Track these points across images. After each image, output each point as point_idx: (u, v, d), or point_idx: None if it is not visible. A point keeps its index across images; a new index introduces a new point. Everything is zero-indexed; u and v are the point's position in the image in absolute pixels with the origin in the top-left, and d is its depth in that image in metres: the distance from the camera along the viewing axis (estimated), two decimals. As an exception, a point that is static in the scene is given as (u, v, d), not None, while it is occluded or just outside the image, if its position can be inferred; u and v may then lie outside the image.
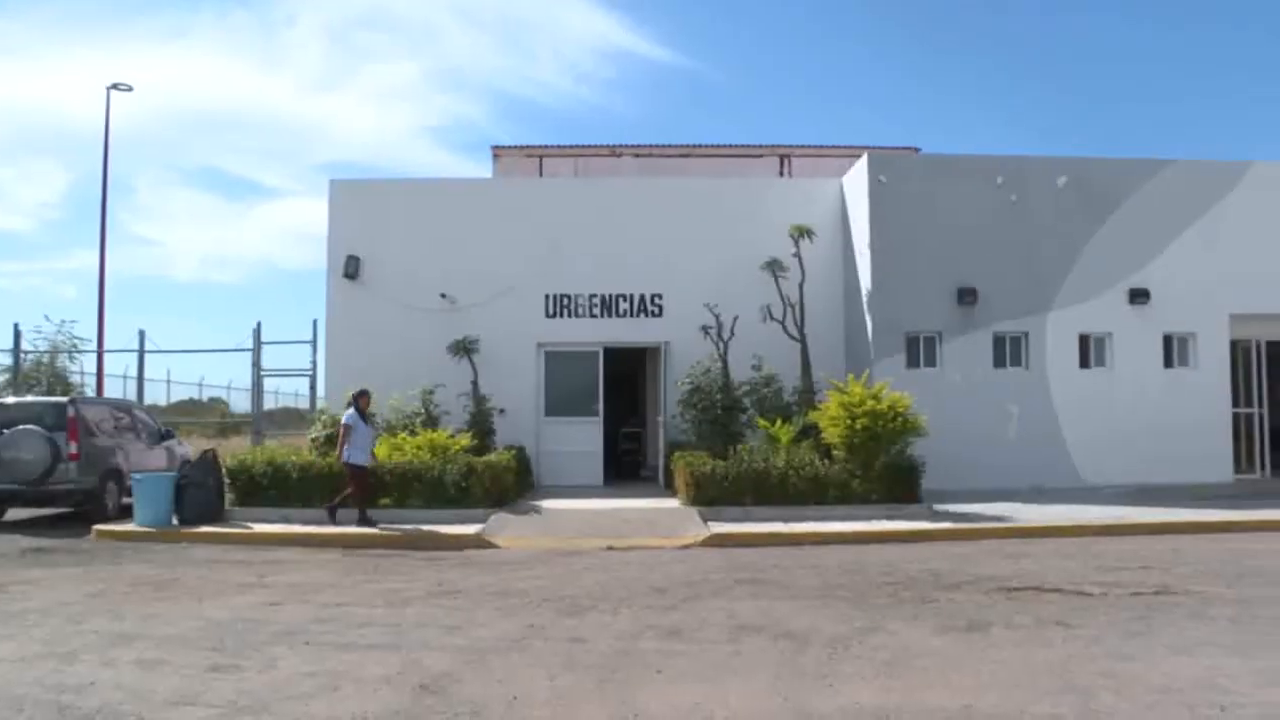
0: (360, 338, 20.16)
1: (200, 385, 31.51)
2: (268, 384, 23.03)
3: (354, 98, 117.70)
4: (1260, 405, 20.90)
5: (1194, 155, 27.41)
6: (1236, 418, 20.37)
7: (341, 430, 15.03)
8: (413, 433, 17.15)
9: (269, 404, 25.21)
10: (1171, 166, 20.11)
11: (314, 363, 21.50)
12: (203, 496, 15.05)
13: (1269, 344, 20.98)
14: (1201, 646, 7.54)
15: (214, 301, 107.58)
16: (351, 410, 15.17)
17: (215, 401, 33.80)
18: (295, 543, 13.70)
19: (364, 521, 14.77)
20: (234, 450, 18.90)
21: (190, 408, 31.41)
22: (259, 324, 21.87)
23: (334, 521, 14.73)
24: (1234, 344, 20.31)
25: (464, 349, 19.38)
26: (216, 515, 15.13)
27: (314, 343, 21.28)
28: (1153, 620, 8.45)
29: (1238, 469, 20.19)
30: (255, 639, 7.89)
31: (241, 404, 29.05)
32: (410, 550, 13.24)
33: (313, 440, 18.29)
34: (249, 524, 14.80)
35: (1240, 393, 20.58)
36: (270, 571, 11.29)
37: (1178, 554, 12.31)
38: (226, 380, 34.45)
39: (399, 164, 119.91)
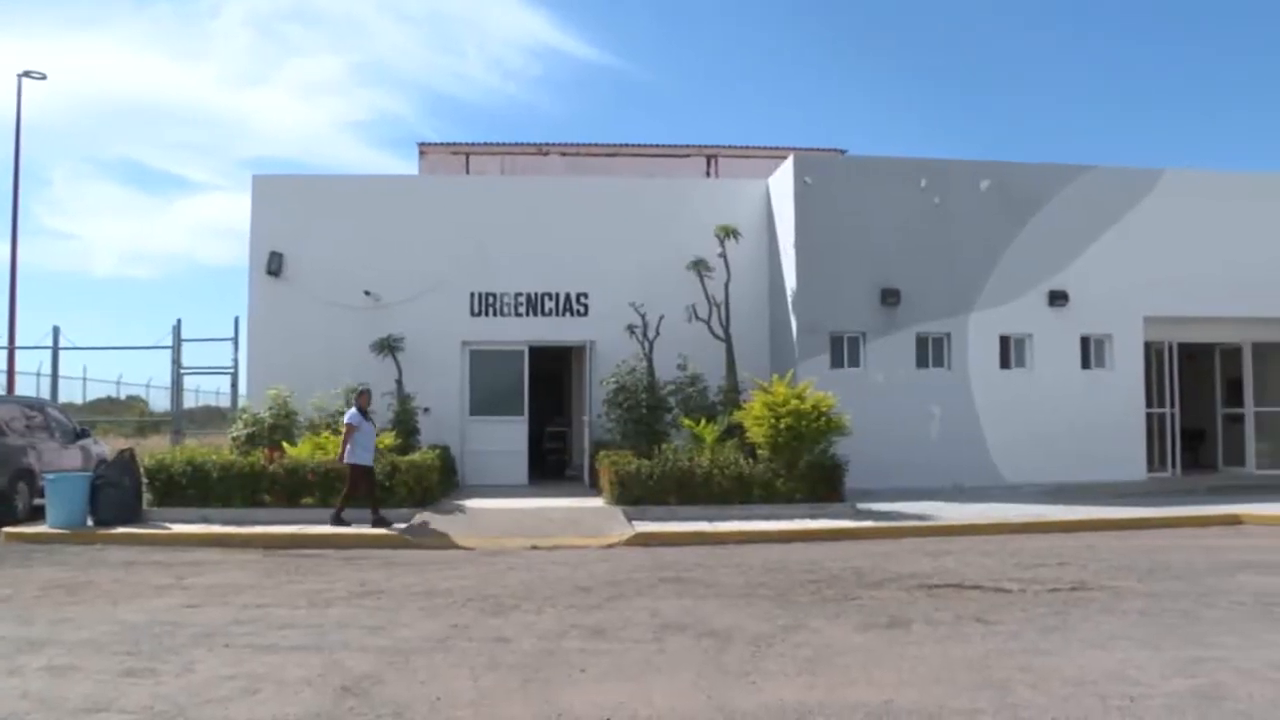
0: (283, 335, 19.90)
1: (118, 383, 30.99)
2: (188, 382, 22.71)
3: (279, 91, 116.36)
4: (1172, 405, 21.41)
5: (1111, 161, 28.05)
6: (1150, 418, 20.83)
7: (345, 430, 14.80)
8: (336, 432, 16.93)
9: (189, 402, 24.85)
10: (1089, 172, 20.52)
11: (235, 360, 21.17)
12: (119, 497, 14.73)
13: (1181, 346, 21.56)
14: (1114, 640, 7.71)
15: (133, 298, 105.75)
16: (353, 410, 15.03)
17: (134, 400, 33.26)
18: (215, 543, 13.48)
19: (379, 523, 14.46)
20: (153, 449, 18.59)
21: (107, 406, 30.85)
22: (179, 321, 21.51)
23: (342, 524, 14.34)
24: (1148, 346, 20.78)
25: (388, 347, 19.23)
26: (133, 516, 14.83)
27: (235, 340, 20.95)
28: (1069, 615, 8.61)
29: (1151, 468, 20.65)
30: (172, 642, 7.75)
31: (161, 402, 28.62)
32: (333, 550, 13.09)
33: (234, 439, 18.01)
34: (167, 524, 14.53)
35: (1154, 393, 21.05)
36: (189, 573, 11.11)
37: (1093, 551, 12.56)
38: (145, 378, 33.96)
39: (324, 159, 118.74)
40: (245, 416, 18.32)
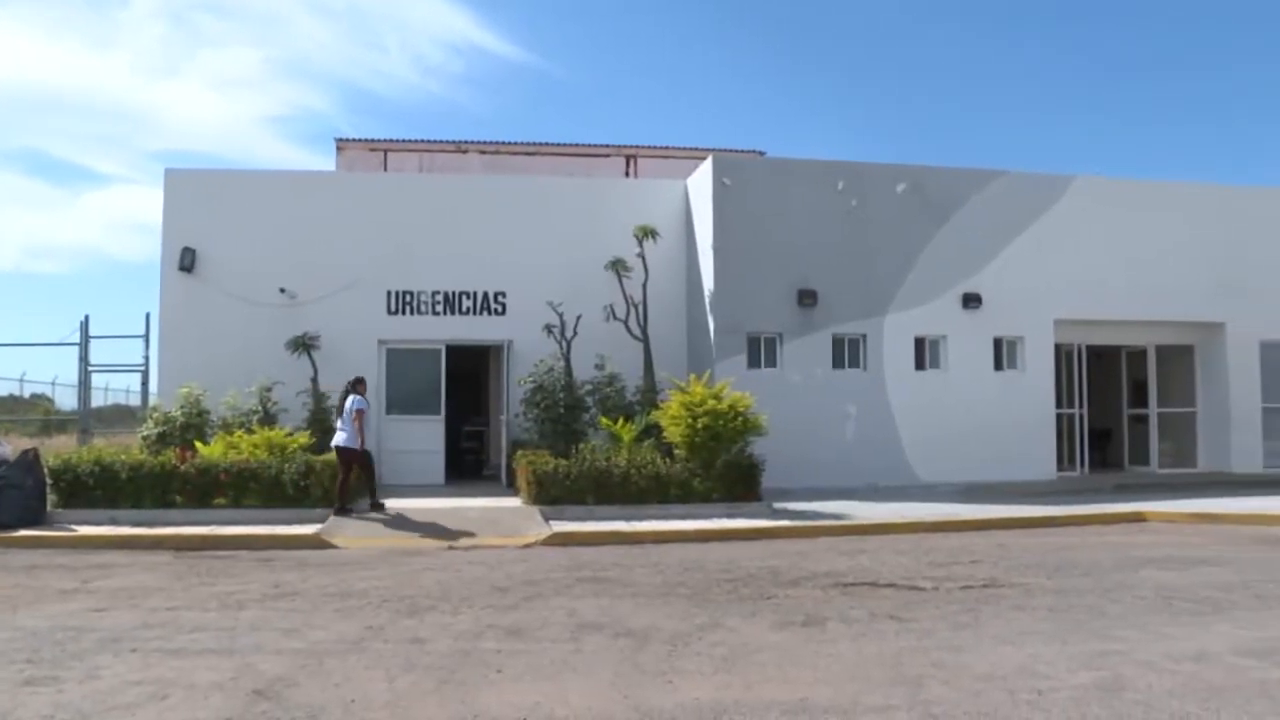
0: (196, 332, 19.54)
1: (21, 381, 30.10)
2: (97, 380, 22.12)
3: (193, 84, 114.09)
4: (1081, 406, 21.90)
5: (1024, 167, 28.61)
6: (1060, 418, 21.26)
7: (357, 418, 15.48)
8: (249, 431, 16.73)
9: (98, 401, 24.18)
10: (1003, 177, 20.88)
11: (146, 358, 20.75)
12: (21, 498, 14.32)
13: (1089, 348, 22.10)
14: (1024, 636, 7.85)
15: (38, 293, 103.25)
16: (359, 397, 15.75)
17: (38, 399, 32.37)
18: (123, 545, 13.18)
19: (377, 508, 15.56)
20: (59, 449, 18.13)
21: (10, 405, 30.00)
22: (86, 317, 21.02)
23: (347, 513, 15.12)
24: (1058, 348, 21.23)
25: (304, 345, 19.00)
26: (37, 518, 14.45)
27: (146, 337, 20.54)
28: (980, 612, 8.75)
29: (1060, 467, 21.08)
30: (76, 648, 7.54)
31: (68, 401, 27.86)
32: (246, 552, 12.87)
33: (144, 439, 17.68)
34: (73, 526, 14.19)
35: (1063, 394, 21.50)
36: (96, 576, 10.86)
37: (1004, 549, 12.78)
38: (51, 376, 33.08)
39: (240, 154, 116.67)
40: (156, 415, 18.01)
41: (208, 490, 14.98)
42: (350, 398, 15.78)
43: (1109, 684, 6.53)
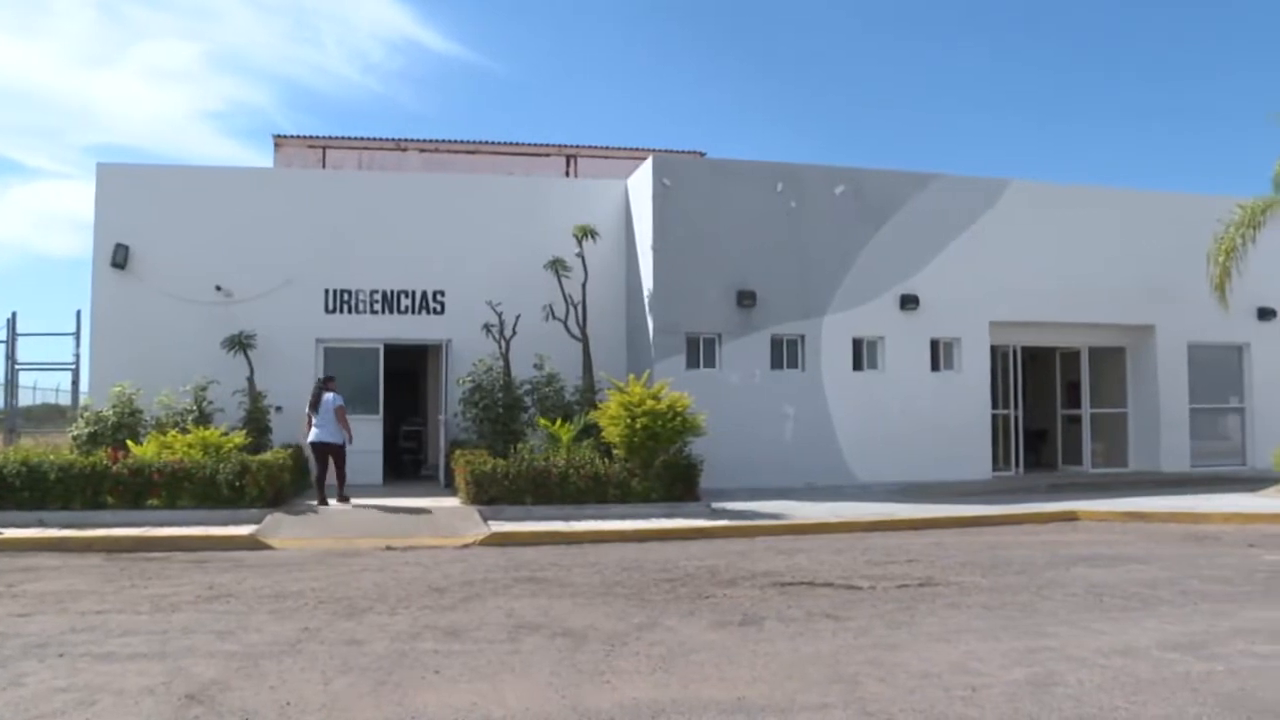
0: (129, 330, 19.20)
1: (-57, 380, 29.54)
2: (25, 378, 21.77)
3: (127, 76, 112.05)
4: (1016, 407, 22.19)
5: (962, 170, 29.02)
6: (995, 419, 21.52)
7: (339, 413, 16.49)
8: (184, 430, 16.48)
9: (26, 400, 23.77)
10: (940, 180, 21.10)
11: (77, 356, 20.45)
12: (-57, 501, 14.05)
13: (1024, 349, 22.41)
14: (959, 633, 7.94)
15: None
16: (336, 395, 16.67)
17: (-37, 398, 31.77)
18: (52, 548, 12.91)
19: (344, 500, 16.34)
20: (-16, 450, 17.79)
21: (-67, 404, 29.42)
22: (14, 314, 20.67)
23: (347, 503, 16.19)
24: (994, 349, 21.49)
25: (240, 344, 18.75)
26: (-39, 521, 14.18)
27: (77, 335, 20.24)
28: (916, 610, 8.83)
29: (995, 467, 21.35)
30: (0, 654, 7.40)
31: (-7, 400, 27.38)
32: (180, 553, 12.68)
33: (75, 438, 17.39)
34: None
35: (999, 395, 21.77)
36: (22, 579, 10.63)
37: (940, 547, 12.91)
38: (-25, 375, 32.40)
39: (175, 149, 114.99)
40: (87, 415, 17.73)
41: (141, 491, 14.76)
42: (328, 395, 16.57)
43: (1041, 680, 6.62)
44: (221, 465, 15.02)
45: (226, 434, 16.37)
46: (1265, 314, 22.08)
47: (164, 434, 16.41)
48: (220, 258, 19.71)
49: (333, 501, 16.20)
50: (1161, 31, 71.46)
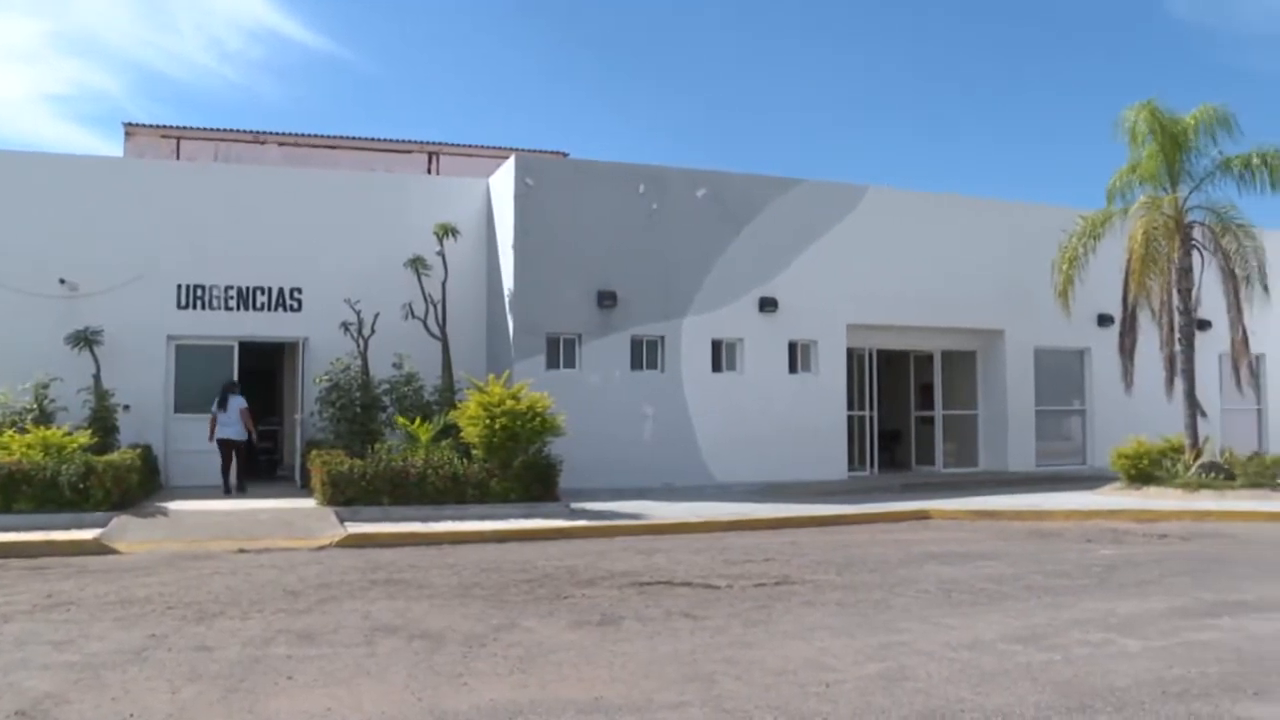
0: (-38, 325, 18.36)
1: None
2: None
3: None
4: (871, 409, 22.69)
5: (822, 175, 29.56)
6: (851, 420, 21.97)
7: (244, 413, 18.25)
8: (23, 430, 15.79)
9: None
10: (800, 185, 21.46)
11: (-94, 351, 19.46)
12: None
13: (879, 352, 22.93)
14: (814, 631, 8.05)
15: None
16: (240, 396, 18.36)
17: None
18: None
19: (240, 490, 18.17)
20: None
21: None
22: None
23: (244, 492, 18.03)
24: (850, 352, 21.94)
25: (85, 340, 18.06)
26: None
27: (-94, 330, 19.25)
28: (773, 609, 8.94)
29: (851, 467, 21.80)
30: None
31: None
32: (15, 560, 12.09)
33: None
34: None
35: (855, 397, 22.22)
36: None
37: (797, 546, 13.11)
38: None
39: (12, 132, 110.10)
40: (-83, 413, 16.88)
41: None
42: (235, 397, 18.24)
43: (893, 674, 6.77)
44: (64, 466, 14.40)
45: (70, 434, 15.72)
46: (1105, 320, 22.94)
47: (0, 435, 15.70)
48: (65, 250, 18.87)
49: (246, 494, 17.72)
50: (1013, 51, 73.73)
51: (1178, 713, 5.97)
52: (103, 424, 17.54)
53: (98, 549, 12.62)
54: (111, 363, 18.29)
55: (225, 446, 18.24)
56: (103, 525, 13.72)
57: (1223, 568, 11.53)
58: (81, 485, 14.29)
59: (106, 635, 7.90)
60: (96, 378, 18.06)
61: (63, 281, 18.81)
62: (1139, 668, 6.95)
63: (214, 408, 18.21)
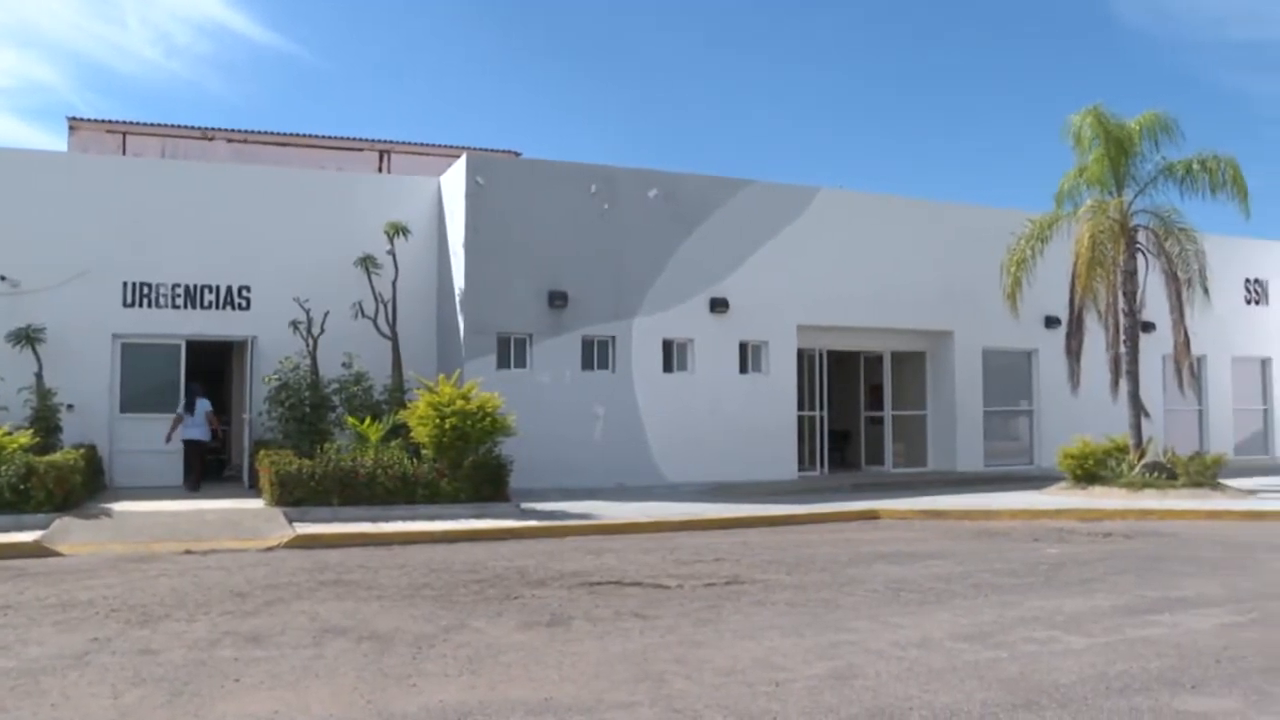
0: (-100, 323, 18.03)
1: None
2: None
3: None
4: (821, 409, 22.82)
5: (773, 177, 29.63)
6: (801, 420, 22.08)
7: (209, 416, 19.17)
8: (-36, 431, 15.55)
9: None
10: (751, 186, 21.54)
11: None
12: None
13: (830, 353, 23.07)
14: (763, 630, 8.09)
15: None
16: (205, 400, 19.18)
17: None
18: None
19: (195, 489, 18.49)
20: None
21: None
22: None
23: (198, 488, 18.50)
24: (800, 353, 22.06)
25: (27, 338, 17.79)
26: None
27: None
28: (723, 608, 8.96)
29: (801, 467, 21.92)
30: None
31: None
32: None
33: None
34: None
35: (805, 397, 22.35)
36: None
37: (747, 546, 13.15)
38: None
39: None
40: None
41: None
42: (202, 400, 18.99)
43: (842, 673, 6.81)
44: (4, 467, 14.18)
45: (10, 434, 15.47)
46: (1051, 322, 23.22)
47: (-60, 435, 15.43)
48: (6, 246, 18.53)
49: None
50: (964, 54, 74.43)
51: (1120, 707, 6.06)
52: (45, 424, 17.28)
53: (38, 551, 12.38)
54: (55, 361, 18.02)
55: (192, 447, 18.97)
56: (44, 527, 13.48)
57: (1164, 566, 11.70)
58: (22, 486, 14.05)
59: (46, 640, 7.77)
60: (39, 376, 17.78)
61: (3, 278, 18.51)
62: (1083, 664, 7.06)
63: (180, 409, 18.82)
